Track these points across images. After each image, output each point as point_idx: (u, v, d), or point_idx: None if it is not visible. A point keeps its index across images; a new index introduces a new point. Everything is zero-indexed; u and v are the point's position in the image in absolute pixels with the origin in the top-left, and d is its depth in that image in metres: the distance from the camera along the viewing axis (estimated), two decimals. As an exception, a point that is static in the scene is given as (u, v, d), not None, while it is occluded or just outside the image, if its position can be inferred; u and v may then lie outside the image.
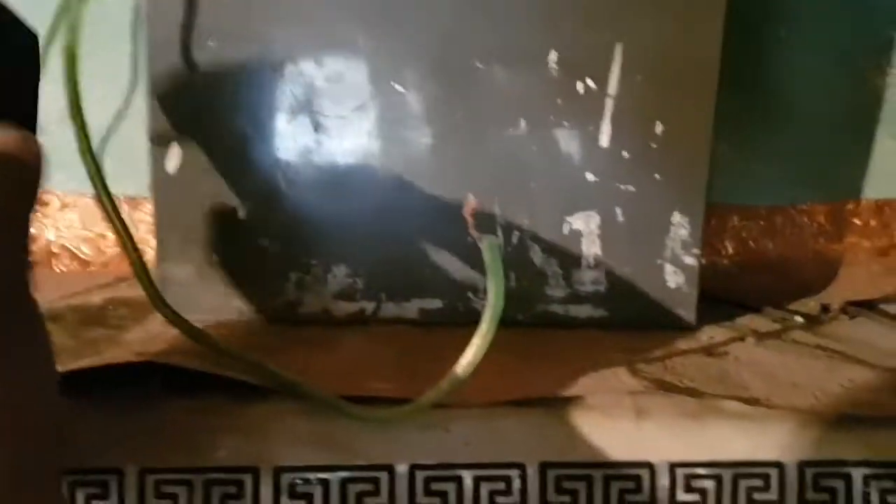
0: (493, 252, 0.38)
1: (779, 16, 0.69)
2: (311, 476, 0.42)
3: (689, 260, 0.57)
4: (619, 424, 0.44)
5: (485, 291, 0.56)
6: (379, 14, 0.54)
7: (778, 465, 0.43)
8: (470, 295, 0.58)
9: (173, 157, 0.55)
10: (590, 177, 0.56)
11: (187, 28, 0.54)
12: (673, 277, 0.57)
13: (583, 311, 0.58)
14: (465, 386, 0.40)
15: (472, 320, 0.56)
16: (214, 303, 0.57)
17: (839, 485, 0.43)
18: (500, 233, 0.57)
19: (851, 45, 0.70)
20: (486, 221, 0.56)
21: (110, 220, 0.47)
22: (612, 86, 0.54)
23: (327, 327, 0.57)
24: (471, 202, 0.52)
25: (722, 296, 0.65)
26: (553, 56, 0.54)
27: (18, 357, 0.26)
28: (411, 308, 0.58)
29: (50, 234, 0.70)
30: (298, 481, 0.42)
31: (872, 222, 0.71)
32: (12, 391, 0.26)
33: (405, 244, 0.57)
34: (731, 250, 0.72)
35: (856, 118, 0.72)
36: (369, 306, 0.58)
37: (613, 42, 0.54)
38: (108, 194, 0.47)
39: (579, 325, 0.58)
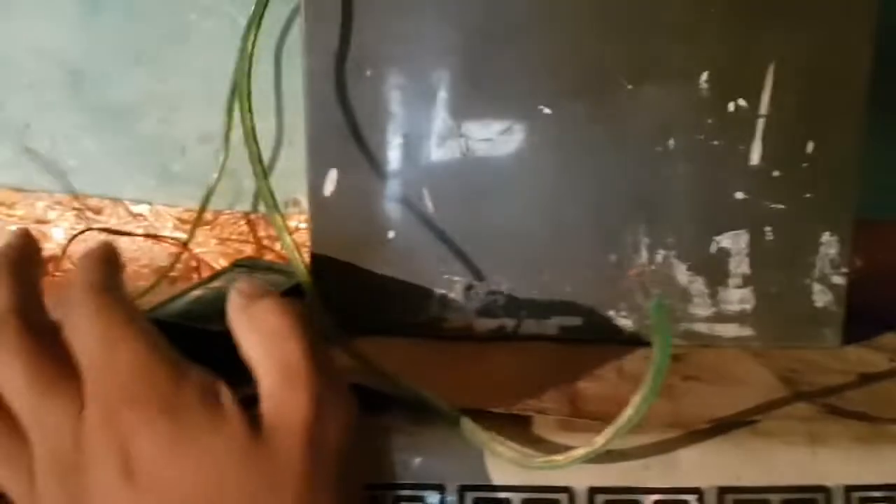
0: (660, 312, 0.38)
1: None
2: (494, 495, 0.43)
3: (838, 279, 0.57)
4: (794, 449, 0.44)
5: (626, 310, 0.58)
6: (527, 37, 0.55)
7: (955, 489, 0.43)
8: (610, 313, 0.59)
9: (330, 181, 0.57)
10: (739, 195, 0.56)
11: (344, 58, 0.55)
12: (821, 296, 0.57)
13: (728, 330, 0.58)
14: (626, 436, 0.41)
15: (611, 337, 0.58)
16: (364, 318, 0.58)
17: None
18: (644, 251, 0.57)
19: None
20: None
21: (281, 238, 0.50)
22: (764, 105, 0.54)
23: (470, 342, 0.59)
24: (638, 264, 0.54)
25: (853, 312, 0.64)
26: (704, 75, 0.54)
27: None
28: (551, 325, 0.59)
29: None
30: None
31: None
32: None
33: (545, 262, 0.58)
34: (863, 265, 0.71)
35: None
36: (510, 323, 0.60)
37: (766, 62, 0.54)
38: (281, 214, 0.50)
39: (723, 344, 0.58)
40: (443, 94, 0.56)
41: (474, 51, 0.55)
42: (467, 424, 0.43)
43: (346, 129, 0.57)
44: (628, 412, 0.39)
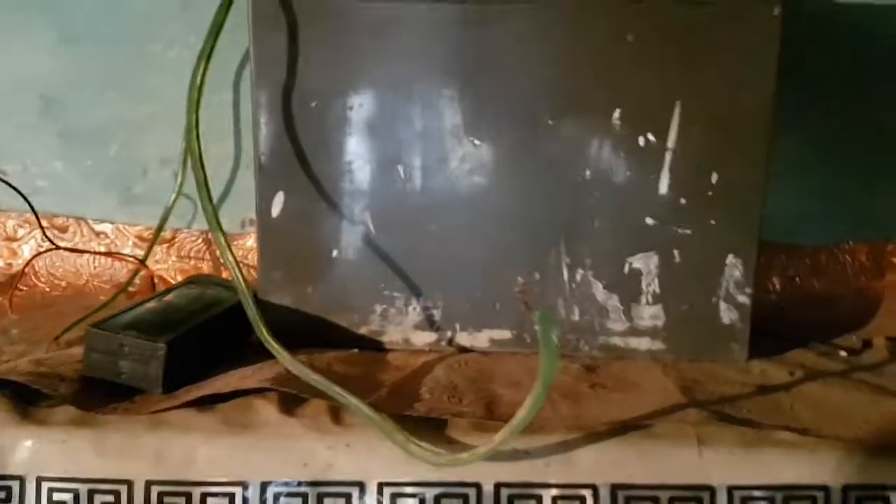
0: (545, 322, 0.43)
1: (822, 69, 0.75)
2: (410, 490, 0.48)
3: (742, 298, 0.62)
4: (683, 451, 0.49)
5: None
6: (460, 78, 0.60)
7: (824, 489, 0.48)
8: (536, 327, 0.63)
9: (277, 203, 0.62)
10: (649, 221, 0.61)
11: (290, 90, 0.60)
12: (727, 314, 0.62)
13: (641, 343, 0.63)
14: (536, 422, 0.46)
15: (536, 350, 0.62)
16: (308, 331, 0.63)
17: (881, 508, 0.48)
18: (565, 270, 0.62)
19: (891, 96, 0.75)
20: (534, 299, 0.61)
21: (223, 256, 0.54)
22: (672, 139, 0.60)
23: (407, 354, 0.63)
24: (520, 284, 0.58)
25: (769, 329, 0.69)
26: (617, 112, 0.60)
27: None
28: (482, 338, 0.64)
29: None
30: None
31: (912, 261, 0.76)
32: None
33: (477, 280, 0.63)
34: (778, 286, 0.76)
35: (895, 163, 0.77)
36: (445, 336, 0.64)
37: (673, 100, 0.59)
38: (223, 233, 0.54)
39: (637, 357, 0.63)
40: (382, 126, 0.61)
41: (411, 86, 0.60)
42: (386, 426, 0.48)
43: (292, 156, 0.61)
44: (521, 413, 0.44)
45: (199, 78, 0.56)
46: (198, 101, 0.56)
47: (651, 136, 0.60)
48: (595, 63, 0.59)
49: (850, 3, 0.74)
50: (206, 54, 0.56)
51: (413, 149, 0.61)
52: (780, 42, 0.58)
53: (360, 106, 0.61)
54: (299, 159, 0.62)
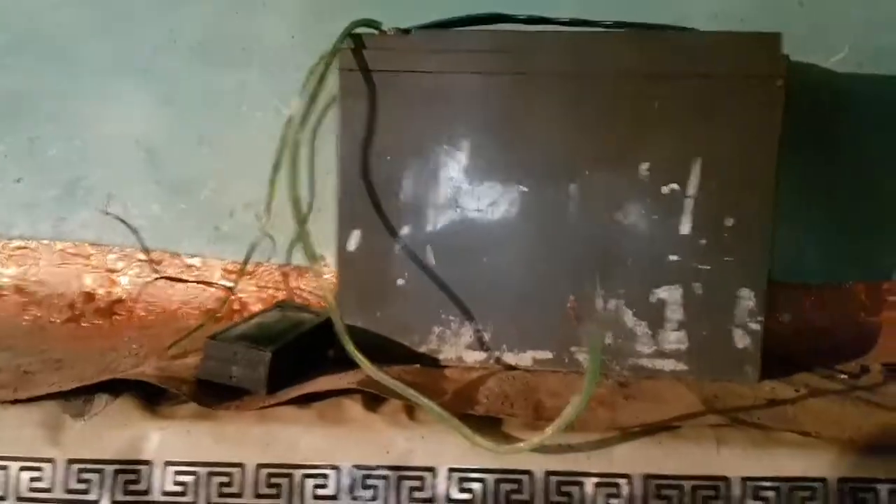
0: (594, 337, 0.53)
1: (824, 128, 0.85)
2: (474, 476, 0.57)
3: (754, 326, 0.72)
4: (704, 449, 0.58)
5: (585, 346, 0.72)
6: (510, 133, 0.71)
7: (823, 481, 0.57)
8: (573, 349, 0.73)
9: (354, 239, 0.73)
10: (673, 258, 0.71)
11: (369, 145, 0.72)
12: (741, 340, 0.72)
13: (666, 364, 0.73)
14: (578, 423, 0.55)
15: (573, 369, 0.72)
16: (376, 349, 0.73)
17: (870, 497, 0.57)
18: (600, 300, 0.72)
19: (886, 151, 0.86)
20: (583, 314, 0.71)
21: (324, 293, 0.65)
22: (692, 189, 0.70)
23: (460, 370, 0.73)
24: (571, 301, 0.68)
25: (778, 357, 0.78)
26: (644, 165, 0.70)
27: None
28: (526, 357, 0.74)
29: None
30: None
31: (906, 299, 0.85)
32: None
33: (523, 307, 0.73)
34: (787, 321, 0.86)
35: (890, 212, 0.87)
36: (493, 355, 0.74)
37: (693, 156, 0.70)
38: (319, 263, 0.65)
39: (663, 376, 0.72)
40: (441, 175, 0.72)
41: (470, 143, 0.72)
42: (454, 422, 0.58)
43: (367, 199, 0.73)
44: (569, 410, 0.54)
45: (295, 133, 0.67)
46: (295, 155, 0.67)
47: (674, 186, 0.70)
48: (627, 125, 0.70)
49: (846, 73, 0.85)
50: (304, 113, 0.67)
51: (469, 195, 0.72)
52: (782, 107, 0.69)
53: (425, 159, 0.72)
54: (373, 202, 0.73)
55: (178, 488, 0.58)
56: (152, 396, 0.62)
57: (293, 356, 0.66)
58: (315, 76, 0.68)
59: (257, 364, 0.62)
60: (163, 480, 0.58)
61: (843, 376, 0.75)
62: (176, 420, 0.59)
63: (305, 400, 0.61)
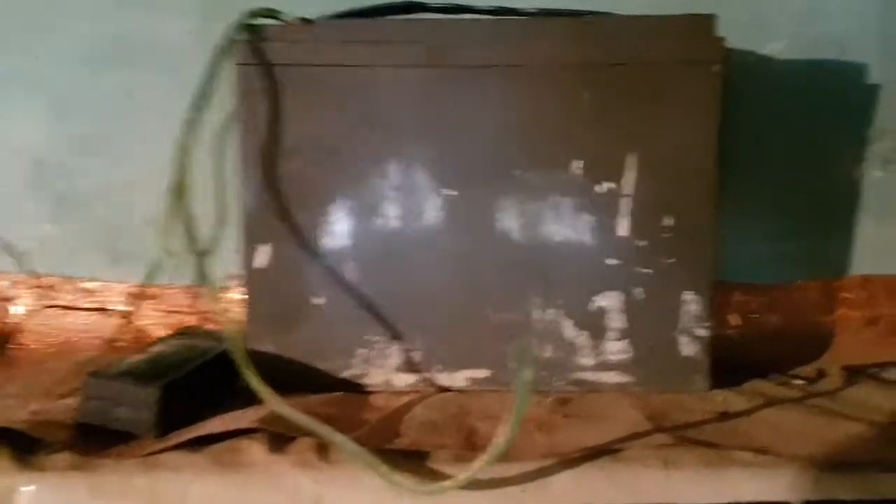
0: (521, 353, 0.47)
1: (765, 119, 0.81)
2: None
3: (701, 332, 0.66)
4: (650, 472, 0.52)
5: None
6: (431, 135, 0.65)
7: (785, 504, 0.52)
8: (512, 365, 0.67)
9: (262, 254, 0.66)
10: (611, 261, 0.65)
11: (274, 145, 0.65)
12: (688, 347, 0.66)
13: (610, 377, 0.67)
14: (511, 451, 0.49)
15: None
16: (293, 376, 0.66)
17: (838, 520, 0.51)
18: (537, 310, 0.66)
19: (832, 142, 0.81)
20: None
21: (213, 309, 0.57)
22: (628, 187, 0.65)
23: (389, 395, 0.66)
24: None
25: (729, 363, 0.73)
26: (577, 164, 0.65)
27: None
28: (461, 377, 0.67)
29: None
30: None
31: (860, 296, 0.81)
32: None
33: (455, 322, 0.67)
34: (736, 324, 0.81)
35: (839, 205, 0.82)
36: (424, 377, 0.67)
37: (627, 152, 0.64)
38: (214, 286, 0.58)
39: (607, 390, 0.66)
40: (360, 180, 0.65)
41: (389, 143, 0.65)
42: (370, 459, 0.51)
43: (276, 208, 0.65)
44: (498, 441, 0.47)
45: (187, 136, 0.60)
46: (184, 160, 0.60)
47: (610, 184, 0.65)
48: (555, 119, 0.64)
49: (786, 60, 0.81)
50: (197, 111, 0.60)
51: (390, 201, 0.65)
52: (720, 94, 0.64)
53: (340, 162, 0.65)
54: (282, 213, 0.66)
55: (52, 552, 0.49)
56: (28, 446, 0.54)
57: (189, 391, 0.58)
58: (207, 72, 0.61)
59: (143, 403, 0.54)
60: (35, 544, 0.50)
61: (799, 382, 0.70)
62: (49, 472, 0.51)
63: (200, 443, 0.54)
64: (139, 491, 0.50)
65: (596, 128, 0.64)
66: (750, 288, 0.82)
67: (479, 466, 0.48)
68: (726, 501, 0.52)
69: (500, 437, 0.47)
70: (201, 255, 0.57)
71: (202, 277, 0.58)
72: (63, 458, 0.52)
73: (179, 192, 0.57)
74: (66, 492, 0.50)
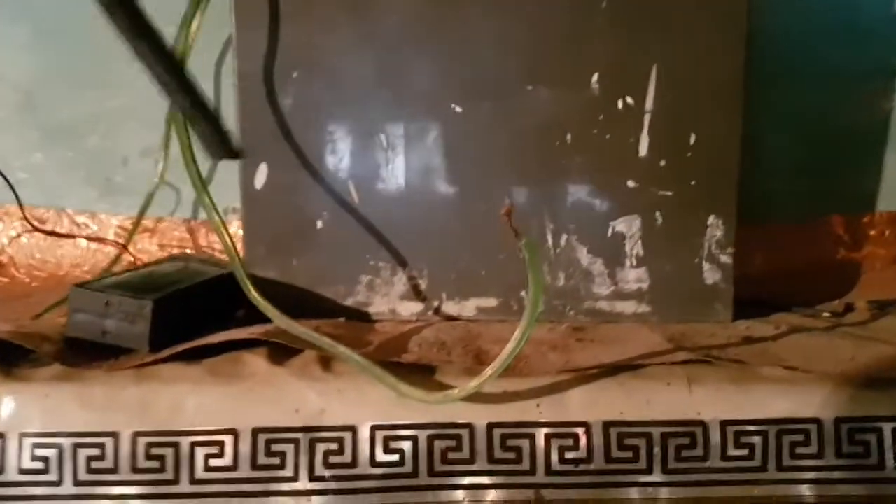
0: (532, 250, 0.43)
1: (794, 48, 0.77)
2: (402, 433, 0.47)
3: (725, 258, 0.63)
4: (673, 389, 0.49)
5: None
6: (438, 44, 0.61)
7: (816, 422, 0.48)
8: (522, 294, 0.63)
9: (261, 175, 0.62)
10: (630, 184, 0.62)
11: (272, 61, 0.61)
12: (710, 274, 0.63)
13: (627, 307, 0.63)
14: (518, 366, 0.46)
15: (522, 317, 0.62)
16: (295, 303, 0.62)
17: (871, 438, 0.48)
18: (549, 236, 0.63)
19: (862, 76, 0.78)
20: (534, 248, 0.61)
21: (219, 233, 0.54)
22: (649, 102, 0.61)
23: (395, 323, 0.63)
24: (506, 204, 0.58)
25: (754, 300, 0.70)
26: (595, 77, 0.61)
27: None
28: (469, 306, 0.64)
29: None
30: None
31: (887, 232, 0.77)
32: None
33: (462, 249, 0.63)
34: (759, 263, 0.77)
35: (867, 139, 0.79)
36: (431, 305, 0.64)
37: (650, 63, 0.61)
38: (217, 211, 0.55)
39: (623, 320, 0.63)
40: (363, 95, 0.62)
41: (393, 57, 0.61)
42: (376, 370, 0.47)
43: (275, 127, 0.62)
44: (510, 345, 0.44)
45: (184, 44, 0.57)
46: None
47: (629, 99, 0.61)
48: (570, 28, 0.61)
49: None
50: (189, 20, 0.57)
51: (394, 117, 0.62)
52: (749, 3, 0.60)
53: (341, 76, 0.61)
54: (282, 131, 0.62)
55: (38, 464, 0.46)
56: (10, 360, 0.50)
57: (183, 309, 0.55)
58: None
59: (136, 316, 0.51)
60: (19, 456, 0.47)
61: (826, 315, 0.66)
62: (33, 383, 0.48)
63: (196, 357, 0.51)
64: (131, 402, 0.47)
65: (614, 39, 0.61)
66: (772, 226, 0.79)
67: (490, 373, 0.45)
68: (755, 418, 0.49)
69: (512, 342, 0.44)
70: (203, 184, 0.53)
71: (210, 209, 0.55)
72: (49, 370, 0.49)
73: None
74: (53, 403, 0.47)
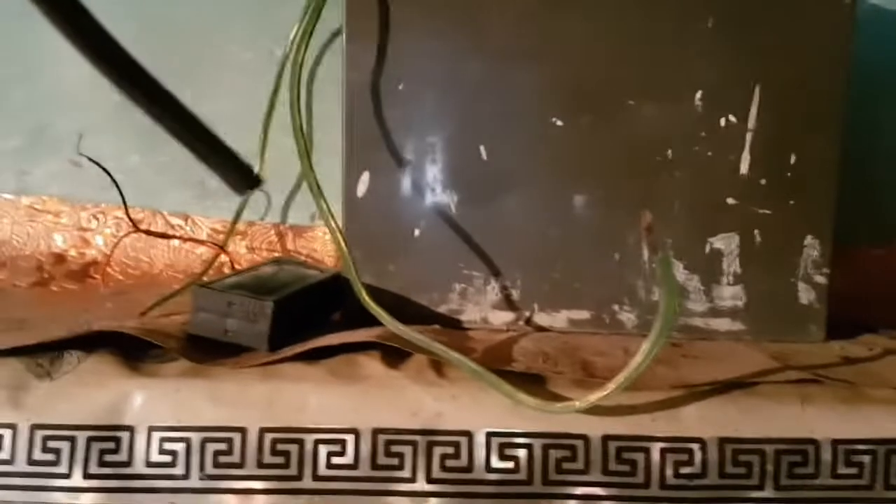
0: (666, 266, 0.44)
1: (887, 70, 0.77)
2: (518, 441, 0.48)
3: (820, 279, 0.63)
4: (786, 407, 0.50)
5: (629, 304, 0.63)
6: (543, 59, 0.62)
7: (926, 443, 0.49)
8: (615, 307, 0.64)
9: (362, 183, 0.64)
10: (730, 201, 0.63)
11: (379, 73, 0.62)
12: (805, 294, 0.63)
13: (722, 324, 0.64)
14: (637, 381, 0.46)
15: (616, 331, 0.63)
16: (390, 308, 0.63)
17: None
18: (645, 250, 0.63)
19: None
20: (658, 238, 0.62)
21: (331, 231, 0.56)
22: (752, 121, 0.62)
23: (487, 332, 0.64)
24: (647, 216, 0.59)
25: (837, 322, 0.70)
26: (698, 94, 0.62)
27: None
28: (561, 318, 0.65)
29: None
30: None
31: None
32: None
33: (556, 260, 0.64)
34: (842, 283, 0.77)
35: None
36: (523, 315, 0.65)
37: (753, 82, 0.61)
38: (333, 217, 0.56)
39: (717, 338, 0.64)
40: (466, 107, 0.63)
41: (496, 70, 0.62)
42: (492, 378, 0.48)
43: (378, 136, 0.63)
44: (637, 359, 0.45)
45: (301, 54, 0.58)
46: (299, 77, 0.58)
47: (732, 118, 0.62)
48: (676, 46, 0.62)
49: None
50: (309, 31, 0.58)
51: (495, 129, 0.63)
52: (852, 27, 0.61)
53: (446, 87, 0.63)
54: (385, 140, 0.63)
55: (166, 458, 0.48)
56: (133, 354, 0.52)
57: (298, 310, 0.56)
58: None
59: (258, 315, 0.52)
60: (147, 449, 0.48)
61: (917, 337, 0.66)
62: (162, 378, 0.49)
63: (314, 357, 0.52)
64: (258, 399, 0.48)
65: (719, 57, 0.61)
66: (859, 249, 0.79)
67: (614, 387, 0.45)
68: (866, 437, 0.49)
69: (640, 355, 0.45)
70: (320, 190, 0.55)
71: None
72: (176, 366, 0.50)
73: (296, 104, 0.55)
74: (183, 397, 0.48)
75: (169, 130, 0.36)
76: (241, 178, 0.43)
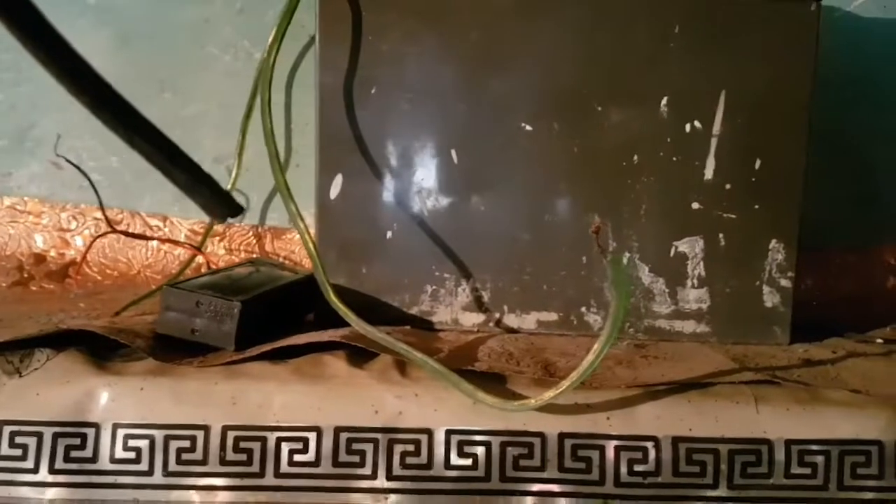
0: (617, 267, 0.45)
1: (857, 79, 0.78)
2: (476, 438, 0.49)
3: (784, 282, 0.64)
4: (740, 407, 0.51)
5: (596, 306, 0.64)
6: (511, 66, 0.63)
7: (878, 444, 0.50)
8: (583, 309, 0.65)
9: (335, 186, 0.65)
10: (695, 205, 0.64)
11: (352, 77, 0.64)
12: (770, 297, 0.64)
13: (686, 326, 0.65)
14: (589, 380, 0.47)
15: (584, 333, 0.64)
16: (362, 309, 0.64)
17: (933, 462, 0.49)
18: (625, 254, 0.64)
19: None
20: (606, 240, 0.63)
21: (300, 233, 0.57)
22: (717, 126, 0.63)
23: (458, 333, 0.65)
24: (595, 221, 0.60)
25: (804, 324, 0.71)
26: (664, 100, 0.63)
27: None
28: (530, 319, 0.66)
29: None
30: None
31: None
32: None
33: (526, 262, 0.65)
34: (810, 287, 0.78)
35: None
36: (493, 317, 0.66)
37: (719, 88, 0.63)
38: (302, 219, 0.57)
39: (683, 339, 0.65)
40: (438, 111, 0.64)
41: (466, 76, 0.64)
42: (453, 377, 0.49)
43: (351, 140, 0.64)
44: (590, 358, 0.46)
45: (272, 57, 0.59)
46: (269, 83, 0.59)
47: (697, 123, 0.63)
48: (643, 53, 0.63)
49: (871, 17, 0.78)
50: (281, 33, 0.59)
51: (466, 134, 0.64)
52: (817, 34, 0.62)
53: (418, 91, 0.64)
54: (358, 143, 0.65)
55: (130, 454, 0.49)
56: (102, 353, 0.53)
57: (266, 311, 0.57)
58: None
59: (225, 315, 0.53)
60: (112, 445, 0.49)
61: (879, 340, 0.67)
62: (127, 377, 0.50)
63: (280, 357, 0.53)
64: (222, 398, 0.49)
65: (685, 64, 0.63)
66: (822, 252, 0.80)
67: (568, 385, 0.46)
68: (819, 438, 0.50)
69: (592, 354, 0.46)
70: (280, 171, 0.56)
71: (295, 217, 0.58)
72: (142, 364, 0.51)
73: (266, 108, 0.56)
74: (147, 396, 0.49)
75: (145, 156, 0.36)
76: (221, 205, 0.42)
